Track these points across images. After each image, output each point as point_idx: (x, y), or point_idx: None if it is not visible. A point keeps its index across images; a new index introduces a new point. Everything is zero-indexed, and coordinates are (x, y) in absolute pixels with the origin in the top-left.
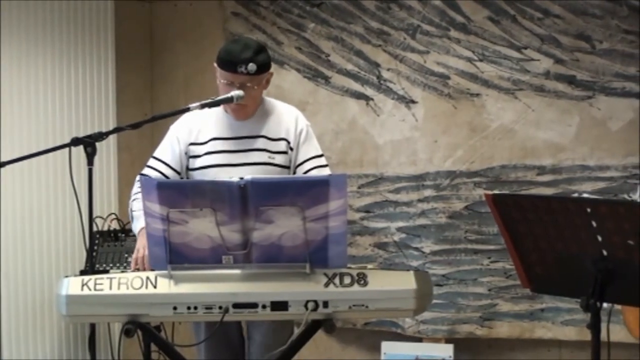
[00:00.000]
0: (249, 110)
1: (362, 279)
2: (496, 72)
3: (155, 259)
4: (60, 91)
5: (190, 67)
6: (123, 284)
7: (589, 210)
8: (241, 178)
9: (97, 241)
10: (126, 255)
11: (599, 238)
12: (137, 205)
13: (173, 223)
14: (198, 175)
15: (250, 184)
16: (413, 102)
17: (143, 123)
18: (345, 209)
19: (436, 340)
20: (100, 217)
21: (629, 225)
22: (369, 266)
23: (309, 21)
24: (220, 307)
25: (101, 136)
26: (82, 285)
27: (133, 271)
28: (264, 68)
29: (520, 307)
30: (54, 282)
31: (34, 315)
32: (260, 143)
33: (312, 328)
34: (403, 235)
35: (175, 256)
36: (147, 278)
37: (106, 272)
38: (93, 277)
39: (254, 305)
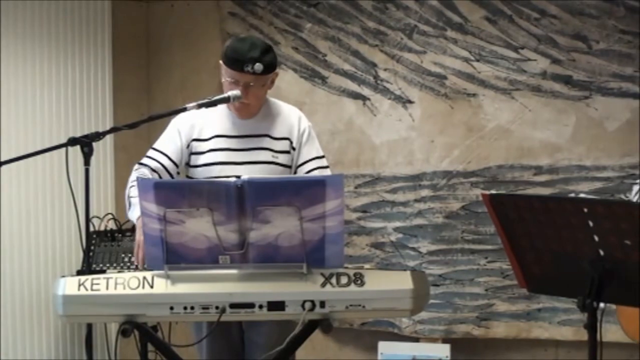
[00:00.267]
0: (252, 110)
1: (359, 279)
2: (493, 72)
3: (152, 259)
4: (57, 91)
5: (187, 67)
6: (120, 284)
7: (585, 210)
8: (238, 178)
9: (93, 241)
10: (123, 255)
11: (596, 238)
12: (134, 191)
13: (170, 223)
14: (201, 172)
15: (247, 184)
16: (410, 102)
17: (140, 123)
18: (342, 209)
19: (433, 340)
20: (97, 217)
21: (626, 225)
22: (366, 266)
23: (306, 21)
24: (217, 307)
25: (98, 136)
26: (79, 285)
27: (137, 267)
28: (270, 68)
29: (517, 307)
30: (50, 282)
31: (30, 315)
32: (264, 142)
33: (309, 328)
34: (400, 235)
35: (172, 256)
36: (144, 278)
37: (103, 272)
38: (90, 277)
39: (250, 306)
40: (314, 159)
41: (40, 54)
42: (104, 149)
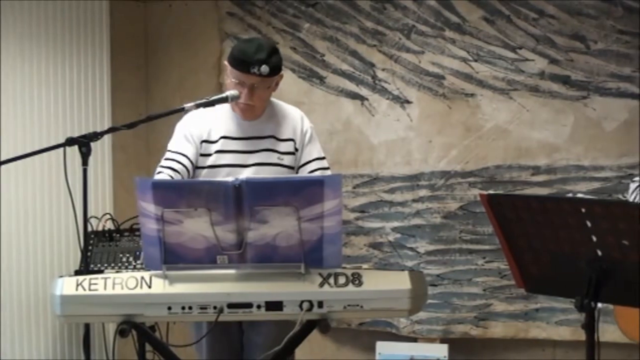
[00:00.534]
0: (257, 112)
1: (356, 279)
2: (491, 72)
3: (150, 259)
4: (55, 91)
5: (185, 67)
6: (118, 284)
7: (583, 210)
8: (236, 178)
9: (91, 241)
10: (121, 255)
11: (594, 238)
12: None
13: (168, 223)
14: (207, 174)
15: (245, 183)
16: (408, 102)
17: (138, 123)
18: (340, 209)
19: (431, 340)
20: (95, 217)
21: (624, 225)
22: (364, 266)
23: (304, 21)
24: (214, 307)
25: (96, 136)
26: (77, 285)
27: None
28: (275, 70)
29: (515, 307)
30: (48, 282)
31: (28, 315)
32: (269, 143)
33: (307, 328)
34: (398, 235)
35: (170, 256)
36: (142, 278)
37: (101, 272)
38: (87, 277)
39: (248, 305)
40: (315, 159)
41: (38, 54)
42: (102, 149)
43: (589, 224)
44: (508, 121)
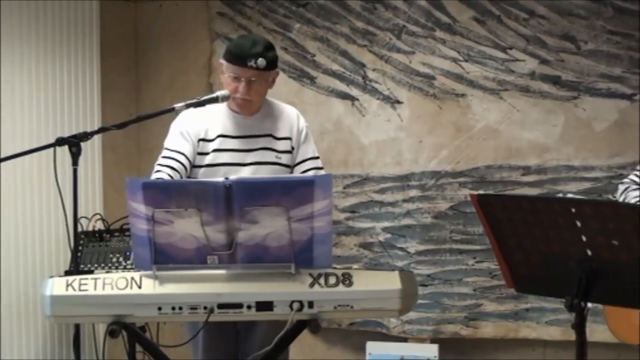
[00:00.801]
0: (254, 106)
1: (347, 279)
2: (481, 73)
3: (140, 260)
4: (45, 91)
5: (176, 67)
6: (108, 284)
7: (573, 210)
8: (226, 178)
9: (81, 241)
10: (111, 255)
11: (584, 238)
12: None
13: (158, 223)
14: (205, 173)
15: (235, 184)
16: (398, 102)
17: (128, 123)
18: (330, 209)
19: (421, 340)
20: (85, 218)
21: (613, 225)
22: (354, 266)
23: (295, 21)
24: (205, 308)
25: (86, 136)
26: (67, 286)
27: None
28: (272, 64)
29: (505, 307)
30: (38, 283)
31: (18, 316)
32: (267, 142)
33: (297, 328)
34: (388, 236)
35: (160, 256)
36: (132, 278)
37: (91, 272)
38: (77, 277)
39: (239, 306)
40: (309, 159)
41: (28, 54)
42: (92, 149)
43: (579, 224)
44: (498, 121)
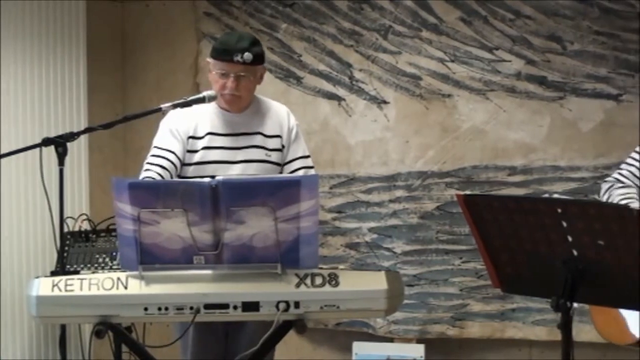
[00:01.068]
0: (243, 103)
1: (333, 280)
2: (467, 73)
3: (126, 260)
4: (31, 91)
5: (162, 67)
6: (94, 284)
7: (559, 210)
8: (212, 178)
9: (68, 242)
10: (97, 256)
11: (570, 238)
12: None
13: (144, 223)
14: (194, 171)
15: (221, 184)
16: (385, 102)
17: (115, 123)
18: (316, 210)
19: (407, 340)
20: (71, 218)
21: (599, 225)
22: (341, 267)
23: (281, 21)
24: (191, 308)
25: (72, 136)
26: (53, 286)
27: None
28: (259, 59)
29: (492, 307)
30: (24, 283)
31: (4, 316)
32: (257, 140)
33: (283, 328)
34: (374, 236)
35: (146, 257)
36: (118, 279)
37: (77, 272)
38: (64, 277)
39: (225, 306)
40: (299, 158)
41: (15, 54)
42: (78, 150)
43: (564, 224)
44: (485, 122)
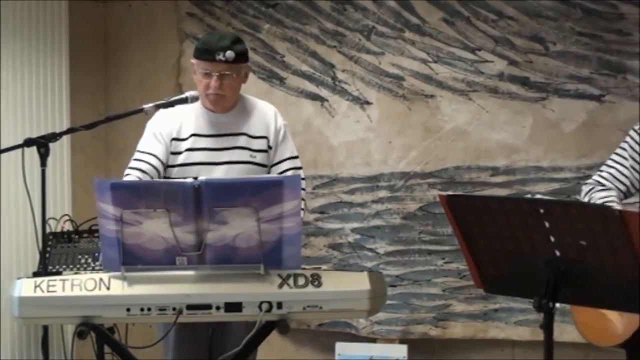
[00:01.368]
0: (227, 102)
1: (316, 280)
2: (450, 74)
3: (108, 261)
4: (13, 91)
5: (145, 68)
6: (76, 285)
7: (542, 211)
8: (195, 178)
9: (50, 242)
10: (79, 256)
11: (552, 239)
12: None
13: (127, 224)
14: (178, 173)
15: (204, 184)
16: (368, 103)
17: (97, 124)
18: (299, 210)
19: (390, 340)
20: (54, 219)
21: (581, 226)
22: (323, 267)
23: (264, 22)
24: (173, 309)
25: (54, 137)
26: (35, 287)
27: None
28: (242, 57)
29: (474, 307)
30: (6, 284)
31: None
32: (241, 141)
33: (266, 329)
34: (357, 236)
35: (128, 257)
36: (101, 279)
37: (59, 273)
38: (46, 278)
39: (207, 307)
40: (288, 159)
41: None
42: (60, 150)
43: (547, 224)
44: (467, 122)
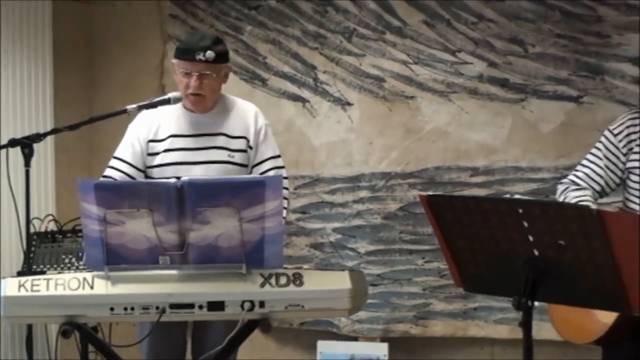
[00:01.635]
0: (207, 102)
1: (297, 279)
2: (430, 75)
3: (92, 260)
4: None
5: (129, 68)
6: (60, 284)
7: (520, 211)
8: (178, 179)
9: (34, 242)
10: (63, 256)
11: (531, 238)
12: None
13: (110, 224)
14: (157, 173)
15: (187, 185)
16: (349, 104)
17: (81, 124)
18: (281, 210)
19: (371, 339)
20: (38, 219)
21: (560, 225)
22: (305, 266)
23: (246, 24)
24: (157, 308)
25: (39, 137)
26: (19, 287)
27: None
28: (222, 57)
29: (454, 306)
30: None
31: None
32: (220, 141)
33: (248, 328)
34: (339, 236)
35: (112, 257)
36: (84, 279)
37: (43, 273)
38: (30, 278)
39: (190, 306)
40: (269, 158)
41: None
42: (44, 151)
43: (526, 224)
44: (447, 123)
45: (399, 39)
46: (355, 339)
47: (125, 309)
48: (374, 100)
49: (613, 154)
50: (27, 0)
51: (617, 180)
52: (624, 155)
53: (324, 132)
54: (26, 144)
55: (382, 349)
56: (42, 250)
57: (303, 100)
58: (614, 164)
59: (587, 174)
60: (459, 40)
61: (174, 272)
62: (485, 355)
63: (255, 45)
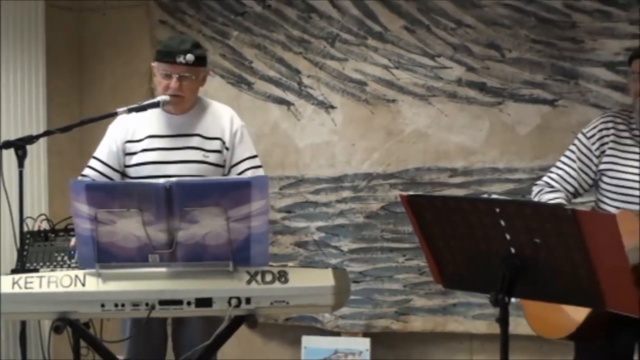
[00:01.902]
0: (185, 104)
1: (283, 277)
2: (411, 79)
3: (83, 258)
4: None
5: (119, 73)
6: (53, 282)
7: (497, 210)
8: (167, 180)
9: (27, 241)
10: (56, 254)
11: (507, 237)
12: None
13: (101, 223)
14: (133, 172)
15: (175, 185)
16: (332, 107)
17: (72, 127)
18: (266, 210)
19: (354, 334)
20: (31, 218)
21: (535, 224)
22: (290, 264)
23: (233, 29)
24: (146, 304)
25: (32, 139)
26: (13, 284)
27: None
28: (201, 60)
29: (434, 302)
30: None
31: None
32: (195, 141)
33: (235, 324)
34: (322, 235)
35: (103, 255)
36: (76, 276)
37: (36, 270)
38: (23, 275)
39: (179, 302)
40: (246, 159)
41: None
42: (37, 152)
43: (502, 223)
44: (427, 125)
45: (380, 44)
46: (338, 334)
47: (116, 305)
48: (357, 103)
49: (586, 156)
50: (22, 8)
51: (590, 182)
52: (597, 157)
53: (308, 135)
54: (19, 146)
55: (365, 343)
56: (35, 248)
57: (288, 104)
58: (587, 166)
59: (561, 176)
60: (438, 45)
61: (163, 269)
62: (463, 350)
63: (242, 50)
